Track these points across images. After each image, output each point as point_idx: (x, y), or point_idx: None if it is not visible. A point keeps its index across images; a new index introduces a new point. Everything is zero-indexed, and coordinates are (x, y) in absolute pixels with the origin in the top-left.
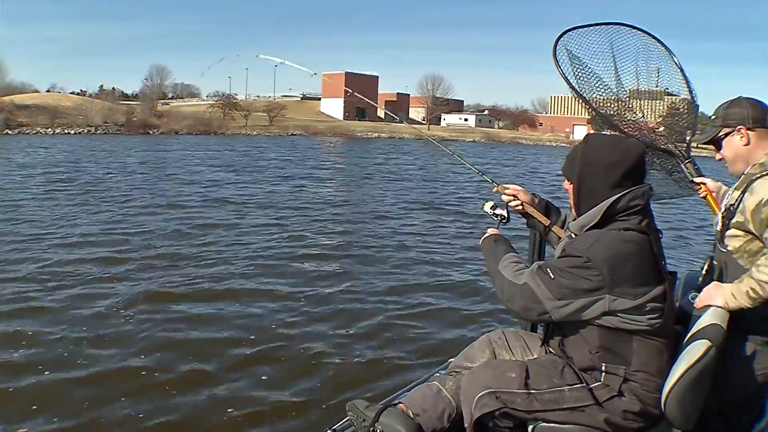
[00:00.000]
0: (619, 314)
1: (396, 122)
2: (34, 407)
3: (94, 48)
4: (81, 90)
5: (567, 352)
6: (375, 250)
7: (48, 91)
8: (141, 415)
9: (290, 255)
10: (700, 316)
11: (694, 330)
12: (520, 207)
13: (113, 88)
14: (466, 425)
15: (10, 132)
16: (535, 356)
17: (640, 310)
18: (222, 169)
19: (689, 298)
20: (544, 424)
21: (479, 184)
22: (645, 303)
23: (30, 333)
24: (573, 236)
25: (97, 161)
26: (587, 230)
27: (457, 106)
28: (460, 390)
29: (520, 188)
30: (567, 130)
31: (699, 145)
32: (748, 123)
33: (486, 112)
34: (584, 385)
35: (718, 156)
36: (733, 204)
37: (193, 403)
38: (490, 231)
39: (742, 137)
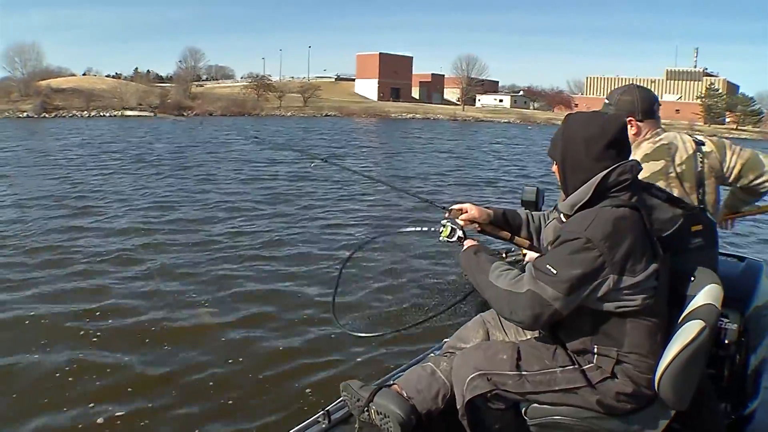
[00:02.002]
0: (619, 293)
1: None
2: None
3: (128, 32)
4: (116, 73)
5: (559, 335)
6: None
7: (84, 74)
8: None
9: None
10: (694, 297)
11: (688, 310)
12: (478, 228)
13: (148, 70)
14: (458, 407)
15: (47, 115)
16: (528, 337)
17: (638, 287)
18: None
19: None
20: (537, 405)
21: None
22: (643, 280)
23: None
24: (563, 218)
25: (148, 140)
26: (578, 209)
27: (492, 87)
28: (452, 370)
29: (474, 209)
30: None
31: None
32: (638, 116)
33: (521, 93)
34: (576, 366)
35: None
36: None
37: (185, 383)
38: (468, 243)
39: (632, 128)
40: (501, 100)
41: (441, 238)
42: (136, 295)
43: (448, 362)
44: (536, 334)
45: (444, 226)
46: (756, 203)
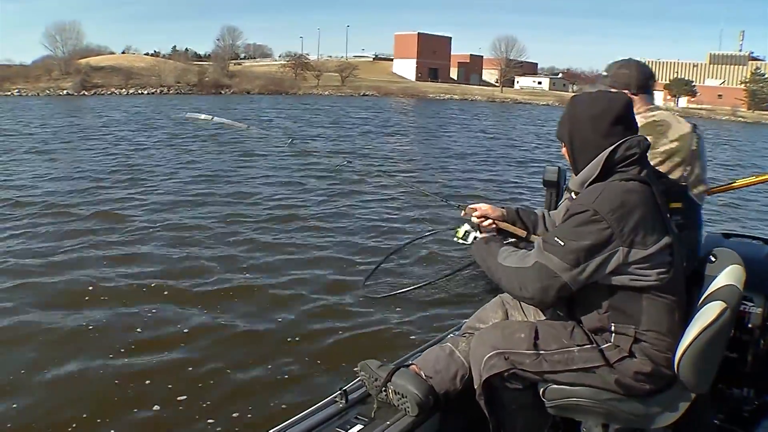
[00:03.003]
0: (631, 267)
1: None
2: None
3: (167, 10)
4: (154, 51)
5: (575, 313)
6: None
7: (123, 53)
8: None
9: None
10: (715, 277)
11: (709, 291)
12: (493, 225)
13: (186, 49)
14: (476, 386)
15: (86, 93)
16: (547, 318)
17: (651, 261)
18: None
19: (708, 258)
20: (555, 385)
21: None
22: (656, 253)
23: None
24: (574, 196)
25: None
26: (589, 185)
27: (530, 69)
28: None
29: (487, 206)
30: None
31: None
32: (633, 89)
33: (560, 75)
34: (594, 345)
35: None
36: None
37: (209, 369)
38: (464, 228)
39: None
40: (540, 83)
41: (456, 239)
42: (174, 262)
43: (467, 343)
44: (555, 313)
45: (459, 227)
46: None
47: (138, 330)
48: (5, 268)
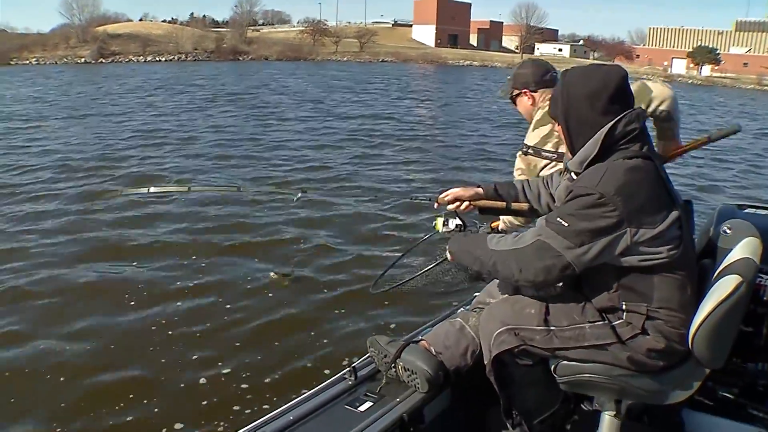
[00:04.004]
0: (640, 247)
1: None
2: None
3: None
4: (172, 18)
5: (585, 293)
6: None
7: (140, 20)
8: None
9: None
10: (730, 250)
11: (724, 264)
12: (470, 206)
13: (203, 15)
14: (485, 362)
15: (104, 60)
16: (556, 293)
17: (660, 239)
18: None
19: (722, 230)
20: (566, 362)
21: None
22: (664, 230)
23: None
24: (573, 177)
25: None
26: (588, 165)
27: (551, 36)
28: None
29: (457, 190)
30: (665, 63)
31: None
32: (531, 87)
33: (581, 42)
34: (606, 322)
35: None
36: None
37: (226, 344)
38: (441, 219)
39: (528, 99)
40: (560, 50)
41: (437, 229)
42: (204, 220)
43: (478, 318)
44: (565, 289)
45: (435, 220)
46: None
47: (131, 300)
48: (39, 228)
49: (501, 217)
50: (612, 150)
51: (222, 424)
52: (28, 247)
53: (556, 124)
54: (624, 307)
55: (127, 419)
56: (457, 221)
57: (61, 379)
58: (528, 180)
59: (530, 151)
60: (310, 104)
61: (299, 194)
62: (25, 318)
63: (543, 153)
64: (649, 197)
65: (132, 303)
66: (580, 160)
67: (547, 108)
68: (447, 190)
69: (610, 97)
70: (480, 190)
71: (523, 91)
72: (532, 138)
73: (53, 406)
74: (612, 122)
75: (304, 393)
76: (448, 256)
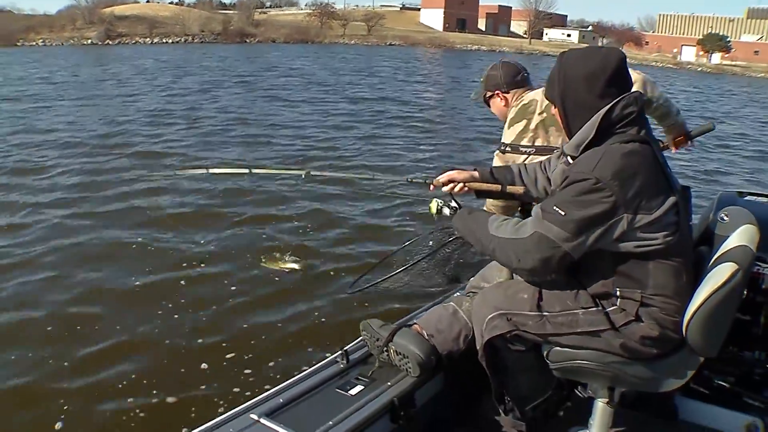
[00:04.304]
0: (637, 233)
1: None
2: None
3: None
4: (179, 0)
5: (579, 278)
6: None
7: (147, 1)
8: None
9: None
10: (727, 237)
11: (720, 252)
12: (465, 188)
13: None
14: (477, 347)
15: (110, 42)
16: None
17: (657, 224)
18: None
19: (719, 217)
20: (558, 348)
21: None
22: (661, 216)
23: None
24: (570, 160)
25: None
26: (584, 149)
27: (560, 21)
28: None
29: (452, 172)
30: (674, 50)
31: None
32: (503, 87)
33: (590, 28)
34: (599, 308)
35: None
36: None
37: (223, 322)
38: (435, 202)
39: (501, 100)
40: (569, 35)
41: (432, 213)
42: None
43: (471, 302)
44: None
45: (430, 203)
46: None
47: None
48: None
49: (487, 201)
50: (609, 133)
51: (214, 398)
52: (39, 220)
53: (552, 106)
54: (618, 293)
55: (123, 385)
56: (453, 204)
57: (66, 334)
58: (525, 164)
59: (508, 148)
60: (317, 86)
61: (303, 174)
62: (38, 284)
63: (521, 149)
64: (646, 182)
65: (135, 273)
66: (576, 144)
67: (520, 106)
68: (443, 172)
69: (608, 80)
70: (476, 173)
71: (496, 92)
72: (508, 136)
73: (59, 362)
74: (609, 105)
75: (296, 375)
76: (456, 230)
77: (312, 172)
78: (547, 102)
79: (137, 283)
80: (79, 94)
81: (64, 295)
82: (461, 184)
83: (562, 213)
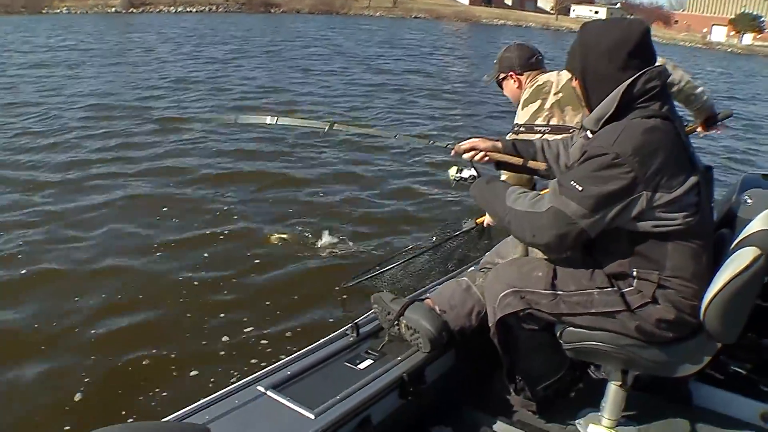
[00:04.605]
0: (656, 212)
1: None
2: None
3: None
4: None
5: (595, 257)
6: None
7: None
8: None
9: None
10: (750, 221)
11: (743, 235)
12: (486, 158)
13: None
14: (490, 324)
15: (134, 10)
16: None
17: (677, 204)
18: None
19: (743, 199)
20: (572, 328)
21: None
22: (682, 195)
23: None
24: (589, 135)
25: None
26: (605, 123)
27: None
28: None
29: (476, 139)
30: (704, 30)
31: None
32: (517, 69)
33: (618, 5)
34: (615, 289)
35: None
36: None
37: (229, 294)
38: (455, 168)
39: (514, 81)
40: (596, 12)
41: (450, 178)
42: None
43: (485, 278)
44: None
45: (451, 167)
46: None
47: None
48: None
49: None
50: (630, 108)
51: (231, 370)
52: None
53: (573, 79)
54: (635, 273)
55: (141, 357)
56: (472, 172)
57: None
58: (547, 140)
59: (522, 128)
60: (342, 57)
61: (326, 127)
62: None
63: (535, 128)
64: (667, 160)
65: (155, 232)
66: (596, 118)
67: (534, 87)
68: (465, 139)
69: (631, 52)
70: (498, 143)
71: (509, 74)
72: (522, 116)
73: (76, 340)
74: (631, 78)
75: (304, 348)
76: (473, 198)
77: (335, 126)
78: (563, 82)
79: (156, 242)
80: (105, 61)
81: (86, 254)
82: (483, 153)
83: (580, 188)
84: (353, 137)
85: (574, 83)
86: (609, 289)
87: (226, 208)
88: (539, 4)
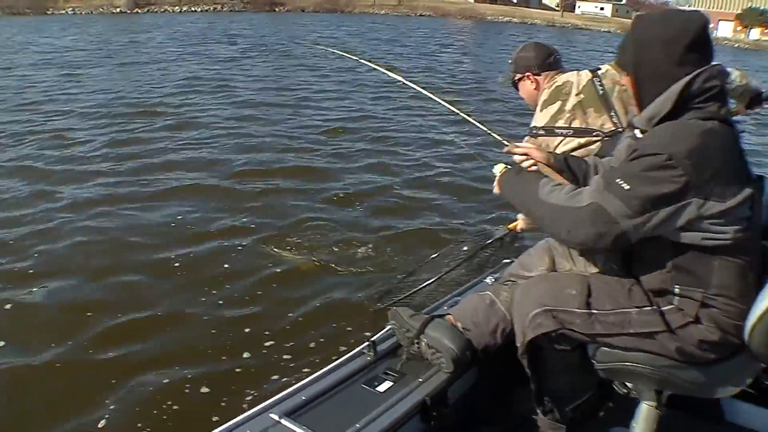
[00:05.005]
0: (704, 222)
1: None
2: None
3: None
4: None
5: (633, 270)
6: None
7: None
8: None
9: None
10: None
11: None
12: (534, 168)
13: None
14: (518, 344)
15: (139, 11)
16: (600, 270)
17: (729, 216)
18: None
19: None
20: (606, 348)
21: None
22: (735, 207)
23: None
24: (638, 135)
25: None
26: (657, 123)
27: None
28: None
29: (532, 146)
30: (710, 25)
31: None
32: (534, 69)
33: (624, 1)
34: (654, 308)
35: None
36: None
37: (242, 299)
38: (502, 166)
39: (531, 82)
40: (602, 8)
41: (495, 173)
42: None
43: (509, 292)
44: (608, 266)
45: (499, 162)
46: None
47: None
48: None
49: (519, 216)
50: (686, 108)
51: (247, 389)
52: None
53: (624, 76)
54: (677, 291)
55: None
56: None
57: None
58: (601, 159)
59: (540, 131)
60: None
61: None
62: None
63: (556, 131)
64: (722, 167)
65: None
66: (648, 116)
67: (553, 87)
68: (521, 142)
69: (689, 45)
70: (552, 158)
71: (526, 75)
72: (540, 119)
73: (86, 334)
74: (690, 76)
75: (320, 370)
76: (495, 189)
77: (406, 81)
78: (583, 83)
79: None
80: (109, 61)
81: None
82: (532, 161)
83: (627, 187)
84: (381, 134)
85: (624, 80)
86: (648, 308)
87: (245, 217)
88: (544, 1)
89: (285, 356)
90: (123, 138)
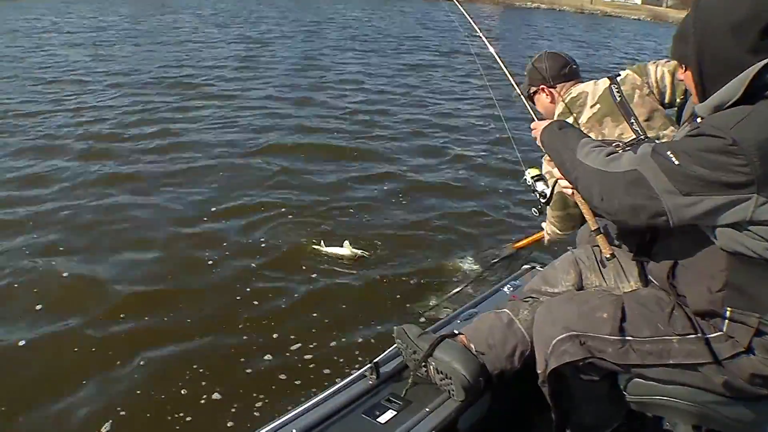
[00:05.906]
0: (762, 227)
1: None
2: None
3: None
4: None
5: (678, 287)
6: None
7: None
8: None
9: None
10: None
11: None
12: (570, 192)
13: None
14: (539, 371)
15: None
16: (634, 286)
17: None
18: None
19: None
20: (640, 380)
21: None
22: None
23: None
24: (699, 122)
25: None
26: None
27: None
28: (534, 325)
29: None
30: None
31: None
32: (549, 82)
33: None
34: (699, 335)
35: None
36: None
37: (240, 307)
38: (545, 122)
39: (546, 95)
40: None
41: (527, 177)
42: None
43: (530, 310)
44: (644, 282)
45: (534, 167)
46: None
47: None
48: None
49: (544, 226)
50: (756, 97)
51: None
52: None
53: (680, 69)
54: (728, 314)
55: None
56: (546, 190)
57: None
58: None
59: None
60: (378, 38)
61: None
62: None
63: None
64: None
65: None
66: (714, 105)
67: (568, 99)
68: None
69: (763, 31)
70: None
71: (540, 87)
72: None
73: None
74: (763, 62)
75: (318, 396)
76: (537, 140)
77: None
78: (600, 92)
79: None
80: (140, 41)
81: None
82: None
83: (676, 162)
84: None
85: (681, 74)
86: (692, 336)
87: (273, 213)
88: None
89: (305, 357)
90: (152, 118)
